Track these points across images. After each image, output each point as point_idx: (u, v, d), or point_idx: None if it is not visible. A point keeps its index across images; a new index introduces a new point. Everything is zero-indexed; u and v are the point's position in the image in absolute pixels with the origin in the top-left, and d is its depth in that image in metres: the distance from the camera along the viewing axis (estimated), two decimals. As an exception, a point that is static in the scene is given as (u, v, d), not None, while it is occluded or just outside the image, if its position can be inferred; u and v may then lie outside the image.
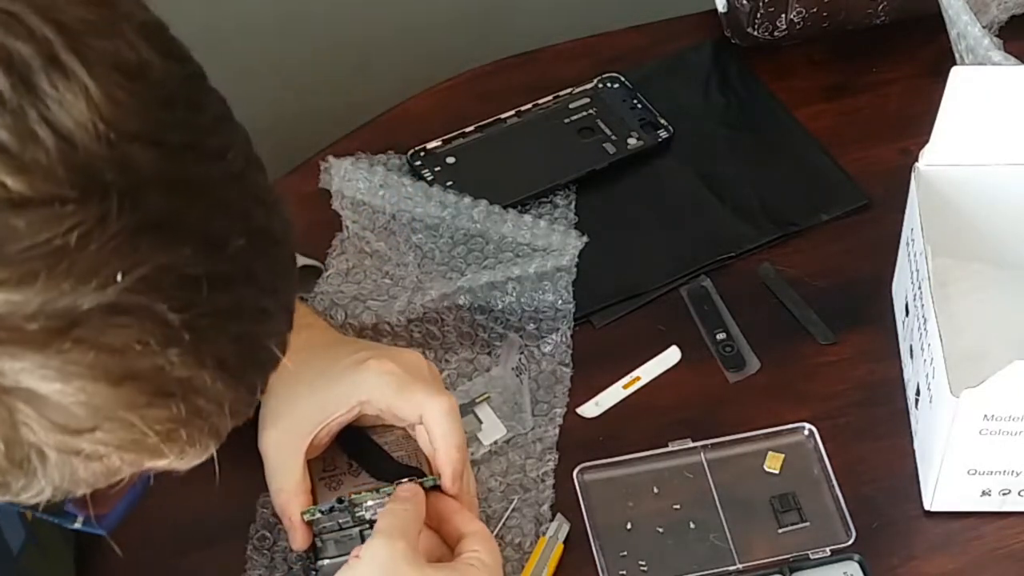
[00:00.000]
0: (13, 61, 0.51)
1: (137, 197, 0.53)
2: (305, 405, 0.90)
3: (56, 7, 0.53)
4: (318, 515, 0.88)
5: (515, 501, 0.94)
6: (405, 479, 0.88)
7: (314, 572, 0.90)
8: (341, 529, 0.90)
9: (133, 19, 0.56)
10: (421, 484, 0.88)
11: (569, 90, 1.19)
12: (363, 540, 0.89)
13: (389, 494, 0.88)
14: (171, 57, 0.57)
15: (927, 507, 0.94)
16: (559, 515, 0.94)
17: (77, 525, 0.66)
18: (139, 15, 0.56)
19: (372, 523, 0.90)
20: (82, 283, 0.52)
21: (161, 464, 0.59)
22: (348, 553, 0.89)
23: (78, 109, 0.52)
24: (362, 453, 0.93)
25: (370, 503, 0.88)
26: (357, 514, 0.89)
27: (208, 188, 0.56)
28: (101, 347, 0.53)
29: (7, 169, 0.51)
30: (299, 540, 0.89)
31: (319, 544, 0.90)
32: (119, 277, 0.52)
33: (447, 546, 0.87)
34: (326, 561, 0.89)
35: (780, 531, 0.93)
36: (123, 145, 0.53)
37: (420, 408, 0.88)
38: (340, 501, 0.88)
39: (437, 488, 0.89)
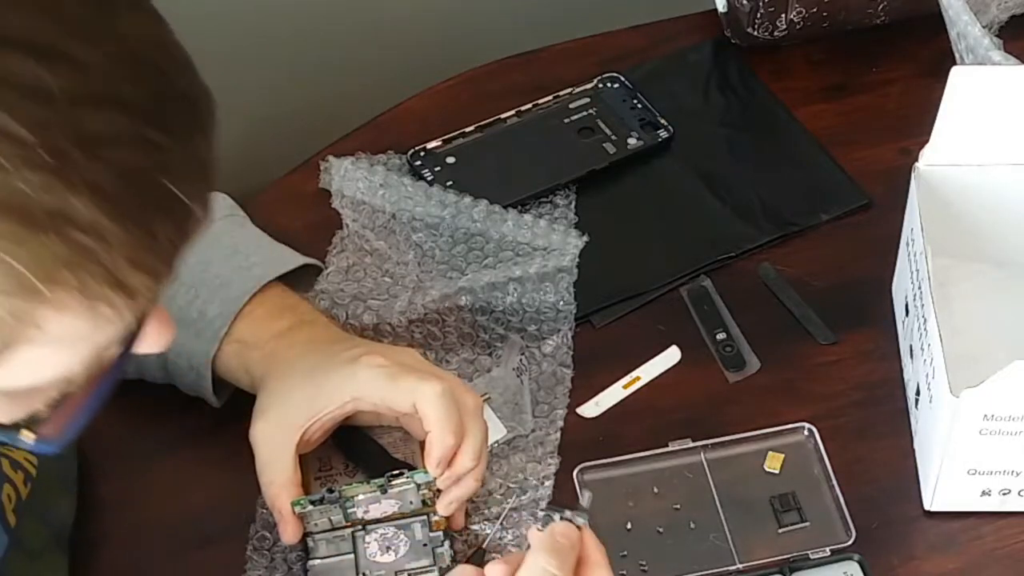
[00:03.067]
0: None
1: None
2: (297, 398, 0.89)
3: None
4: (309, 507, 0.88)
5: (512, 500, 0.94)
6: (396, 471, 0.88)
7: (306, 573, 0.89)
8: (333, 529, 0.90)
9: None
10: (411, 478, 0.88)
11: (569, 90, 1.19)
12: (355, 541, 0.89)
13: (380, 487, 0.88)
14: None
15: (927, 507, 0.94)
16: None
17: (29, 444, 0.61)
18: None
19: (365, 523, 0.90)
20: None
21: (67, 322, 0.53)
22: (339, 554, 0.89)
23: None
24: (358, 453, 0.93)
25: (361, 497, 0.88)
26: (349, 509, 0.89)
27: None
28: None
29: None
30: (289, 532, 0.88)
31: (311, 544, 0.90)
32: None
33: None
34: (317, 561, 0.89)
35: (780, 531, 0.93)
36: None
37: (412, 394, 0.87)
38: (331, 491, 0.88)
39: (430, 483, 0.88)
